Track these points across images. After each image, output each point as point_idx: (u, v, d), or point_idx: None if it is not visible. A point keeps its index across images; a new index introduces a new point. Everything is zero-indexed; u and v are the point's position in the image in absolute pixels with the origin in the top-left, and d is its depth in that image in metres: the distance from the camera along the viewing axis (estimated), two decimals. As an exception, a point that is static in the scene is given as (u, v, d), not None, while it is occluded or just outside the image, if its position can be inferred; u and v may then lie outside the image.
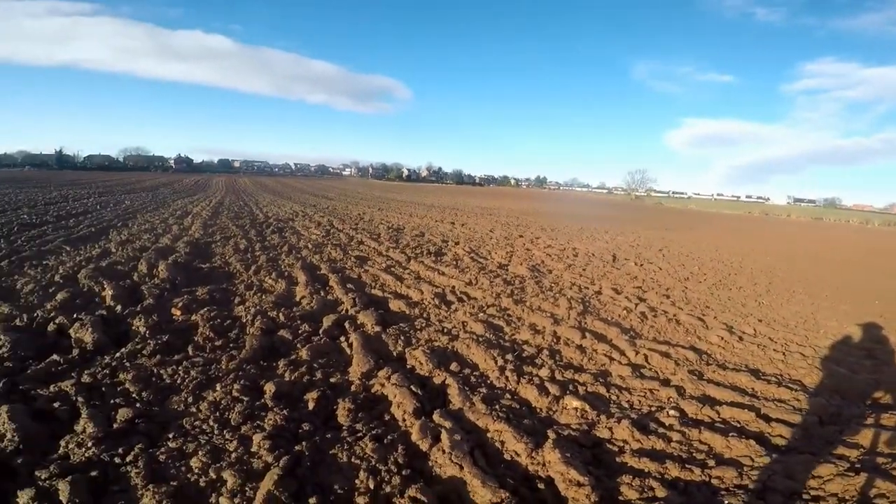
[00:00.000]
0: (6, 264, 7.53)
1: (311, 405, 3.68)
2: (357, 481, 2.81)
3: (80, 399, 3.46)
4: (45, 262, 7.89)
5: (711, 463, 3.24)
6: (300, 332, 5.28)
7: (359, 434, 3.33)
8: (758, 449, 3.36)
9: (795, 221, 50.00)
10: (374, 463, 2.96)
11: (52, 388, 3.61)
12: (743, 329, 6.55)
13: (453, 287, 7.73)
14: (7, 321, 4.93)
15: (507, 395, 4.10)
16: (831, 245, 22.56)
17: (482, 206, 35.44)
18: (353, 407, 3.68)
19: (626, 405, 4.11)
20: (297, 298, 6.74)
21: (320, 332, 5.33)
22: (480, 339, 5.23)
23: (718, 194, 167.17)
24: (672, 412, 3.89)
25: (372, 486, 2.76)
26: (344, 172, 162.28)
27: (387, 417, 3.64)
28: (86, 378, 3.80)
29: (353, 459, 3.01)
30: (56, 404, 3.39)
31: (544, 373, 4.55)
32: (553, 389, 4.16)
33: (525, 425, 3.53)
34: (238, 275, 8.08)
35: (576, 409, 3.84)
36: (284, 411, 3.49)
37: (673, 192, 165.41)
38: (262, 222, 16.30)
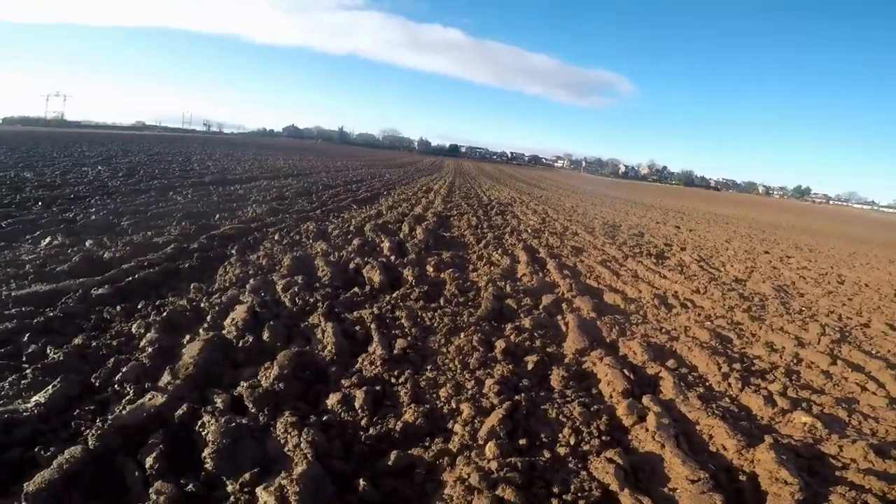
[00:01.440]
0: (320, 213, 10.40)
1: (529, 366, 4.31)
2: (560, 435, 3.24)
3: (372, 326, 4.65)
4: (342, 216, 10.59)
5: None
6: (522, 303, 6.00)
7: (568, 398, 3.80)
8: None
9: None
10: (577, 424, 3.37)
11: (354, 314, 5.00)
12: None
13: (676, 292, 7.47)
14: (325, 256, 6.96)
15: (726, 399, 4.03)
16: None
17: (715, 213, 31.28)
18: (565, 375, 4.17)
19: (869, 432, 3.64)
20: (519, 275, 7.53)
21: (540, 307, 5.97)
22: (704, 345, 5.10)
23: None
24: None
25: (573, 442, 3.16)
26: (556, 164, 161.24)
27: (594, 392, 4.01)
28: (375, 310, 5.13)
29: (560, 417, 3.48)
30: (357, 327, 4.63)
31: (775, 387, 4.27)
32: (782, 403, 3.91)
33: (741, 426, 3.48)
34: (471, 246, 9.38)
35: (804, 423, 3.59)
36: (510, 366, 4.17)
37: None
38: (486, 204, 17.96)
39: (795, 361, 5.11)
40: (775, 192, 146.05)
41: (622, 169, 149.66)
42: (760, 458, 3.00)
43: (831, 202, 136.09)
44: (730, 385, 4.32)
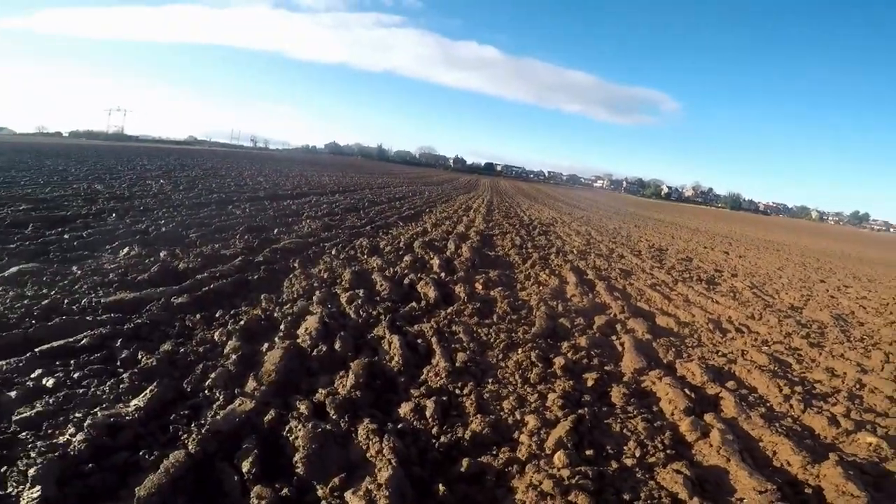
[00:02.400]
0: (370, 229, 10.80)
1: (589, 383, 4.39)
2: (626, 447, 3.32)
3: (433, 339, 4.84)
4: (390, 232, 10.95)
5: None
6: (576, 323, 6.07)
7: (630, 414, 3.86)
8: None
9: None
10: (642, 438, 3.44)
11: (415, 327, 5.19)
12: None
13: (730, 317, 7.33)
14: (381, 271, 7.25)
15: (789, 419, 4.00)
16: None
17: (766, 239, 30.10)
18: (626, 392, 4.22)
19: None
20: (569, 295, 7.58)
21: (594, 327, 6.02)
22: (763, 368, 5.03)
23: None
24: None
25: (638, 455, 3.23)
26: (595, 184, 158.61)
27: (655, 409, 4.04)
28: (433, 324, 5.31)
29: (624, 431, 3.56)
30: (419, 340, 4.82)
31: (838, 410, 4.20)
32: (846, 424, 3.86)
33: (805, 444, 3.46)
34: (517, 265, 9.50)
35: (870, 444, 3.56)
36: (570, 381, 4.26)
37: None
38: (527, 224, 18.03)
39: (858, 387, 4.98)
40: (830, 218, 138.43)
41: (665, 190, 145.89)
42: (826, 474, 3.01)
43: (892, 230, 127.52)
44: (791, 406, 4.27)
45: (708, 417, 3.75)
